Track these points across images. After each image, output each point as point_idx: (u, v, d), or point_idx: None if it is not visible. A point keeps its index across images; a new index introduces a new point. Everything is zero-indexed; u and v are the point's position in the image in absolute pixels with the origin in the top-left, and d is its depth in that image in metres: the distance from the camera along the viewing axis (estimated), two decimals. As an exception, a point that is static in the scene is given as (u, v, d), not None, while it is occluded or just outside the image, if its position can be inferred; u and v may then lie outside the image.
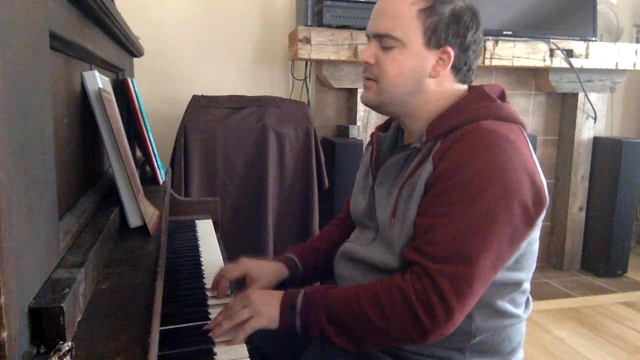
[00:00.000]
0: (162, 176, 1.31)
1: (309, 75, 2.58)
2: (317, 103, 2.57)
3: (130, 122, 1.26)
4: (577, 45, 2.65)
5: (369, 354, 0.93)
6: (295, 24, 2.48)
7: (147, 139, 1.20)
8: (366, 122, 2.52)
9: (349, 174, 2.25)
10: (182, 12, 2.45)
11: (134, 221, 0.86)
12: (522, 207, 0.81)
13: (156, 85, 2.43)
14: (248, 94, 2.31)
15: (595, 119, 2.88)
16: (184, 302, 0.98)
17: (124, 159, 0.82)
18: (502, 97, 0.94)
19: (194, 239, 1.38)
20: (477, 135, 0.84)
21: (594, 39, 2.67)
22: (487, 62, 2.52)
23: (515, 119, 0.90)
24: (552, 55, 2.61)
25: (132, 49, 1.35)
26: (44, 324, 0.46)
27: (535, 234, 0.89)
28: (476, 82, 1.00)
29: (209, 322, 0.88)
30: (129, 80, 1.17)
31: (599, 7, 2.74)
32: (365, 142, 2.42)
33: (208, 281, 1.06)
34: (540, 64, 2.60)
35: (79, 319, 0.54)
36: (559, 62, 2.63)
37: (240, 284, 1.07)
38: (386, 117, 1.10)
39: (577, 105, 2.85)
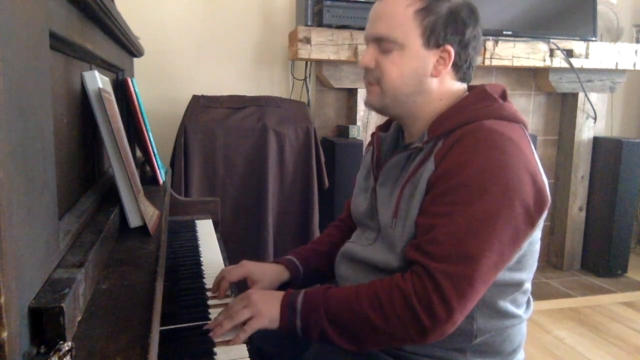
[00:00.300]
0: (162, 176, 1.31)
1: (309, 75, 2.58)
2: (317, 103, 2.57)
3: (130, 122, 1.26)
4: (577, 45, 2.65)
5: (370, 354, 0.93)
6: (295, 24, 2.48)
7: (147, 139, 1.20)
8: (366, 122, 2.52)
9: (349, 174, 2.25)
10: (182, 12, 2.45)
11: (134, 221, 0.86)
12: (523, 207, 0.81)
13: (156, 85, 2.42)
14: (248, 94, 2.32)
15: (595, 119, 2.88)
16: (184, 302, 0.98)
17: (124, 159, 0.82)
18: (504, 96, 0.94)
19: (194, 239, 1.38)
20: (479, 134, 0.84)
21: (594, 39, 2.67)
22: (487, 62, 2.52)
23: (517, 119, 0.90)
24: (552, 55, 2.61)
25: (132, 49, 1.35)
26: (44, 324, 0.46)
27: (537, 234, 0.89)
28: (476, 82, 0.99)
29: (209, 322, 0.88)
30: (129, 80, 1.17)
31: (599, 7, 2.74)
32: (366, 142, 2.42)
33: (208, 281, 1.06)
34: (540, 64, 2.60)
35: (79, 319, 0.54)
36: (559, 62, 2.63)
37: (241, 286, 1.07)
38: (386, 117, 1.10)
39: (577, 105, 2.85)
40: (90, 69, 0.87)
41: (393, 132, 1.05)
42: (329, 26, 2.29)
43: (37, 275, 0.48)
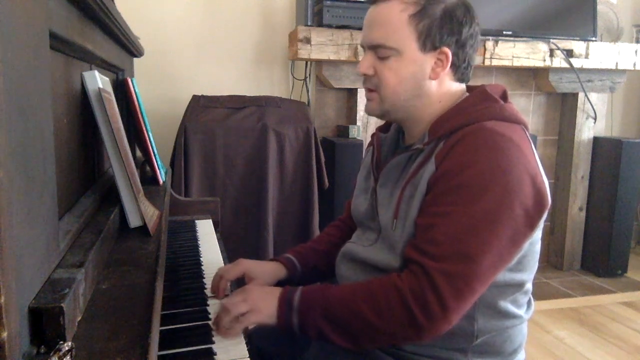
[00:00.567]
0: (162, 176, 1.31)
1: (309, 75, 2.58)
2: (317, 103, 2.57)
3: (130, 122, 1.26)
4: (577, 45, 2.65)
5: (370, 354, 0.93)
6: (295, 24, 2.48)
7: (147, 139, 1.20)
8: (366, 122, 2.52)
9: (349, 174, 2.25)
10: (182, 12, 2.45)
11: (134, 221, 0.86)
12: (523, 208, 0.81)
13: (156, 85, 2.43)
14: (248, 94, 2.32)
15: (595, 119, 2.88)
16: (184, 302, 0.98)
17: (124, 159, 0.82)
18: (504, 97, 0.94)
19: (194, 239, 1.38)
20: (480, 135, 0.84)
21: (594, 39, 2.67)
22: (487, 62, 2.52)
23: (518, 119, 0.90)
24: (552, 55, 2.61)
25: (132, 49, 1.35)
26: (44, 324, 0.46)
27: (537, 235, 0.89)
28: (476, 82, 0.99)
29: (208, 322, 0.88)
30: (129, 80, 1.17)
31: (599, 7, 2.74)
32: (365, 142, 2.42)
33: (208, 281, 1.06)
34: (540, 64, 2.60)
35: (79, 319, 0.54)
36: (559, 62, 2.63)
37: (240, 284, 1.07)
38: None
39: (577, 105, 2.85)
40: (90, 69, 0.87)
41: (393, 133, 1.05)
42: (329, 26, 2.29)
43: (37, 275, 0.48)
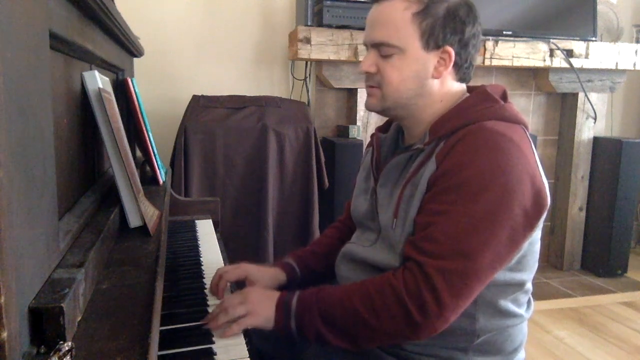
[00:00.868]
0: (162, 176, 1.31)
1: (309, 75, 2.58)
2: (317, 103, 2.57)
3: (130, 122, 1.26)
4: (577, 45, 2.65)
5: (371, 353, 0.93)
6: (295, 24, 2.48)
7: (147, 139, 1.20)
8: (366, 122, 2.52)
9: (349, 174, 2.25)
10: (182, 12, 2.45)
11: (134, 221, 0.86)
12: (522, 208, 0.81)
13: (156, 85, 2.42)
14: (248, 94, 2.32)
15: (595, 119, 2.88)
16: (184, 302, 0.98)
17: (124, 159, 0.82)
18: (504, 97, 0.94)
19: (194, 239, 1.38)
20: (481, 135, 0.84)
21: (594, 39, 2.67)
22: (487, 62, 2.52)
23: (518, 119, 0.90)
24: (552, 55, 2.61)
25: (132, 49, 1.35)
26: (44, 324, 0.46)
27: (537, 234, 0.89)
28: (476, 82, 0.99)
29: (208, 322, 0.88)
30: (129, 80, 1.17)
31: (599, 7, 2.74)
32: (365, 142, 2.42)
33: (208, 281, 1.06)
34: (540, 64, 2.60)
35: (79, 319, 0.54)
36: (559, 62, 2.63)
37: (240, 286, 1.07)
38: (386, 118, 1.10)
39: (577, 105, 2.85)
40: (90, 69, 0.87)
41: (393, 133, 1.05)
42: (329, 26, 2.29)
43: (37, 275, 0.48)
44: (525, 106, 2.91)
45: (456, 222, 0.80)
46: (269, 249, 2.15)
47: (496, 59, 2.53)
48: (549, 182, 0.88)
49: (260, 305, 0.88)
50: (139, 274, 0.69)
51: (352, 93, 2.55)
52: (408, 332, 0.81)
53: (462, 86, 0.97)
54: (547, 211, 0.86)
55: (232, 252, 1.52)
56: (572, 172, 2.90)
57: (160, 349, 0.67)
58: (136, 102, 1.16)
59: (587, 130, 2.89)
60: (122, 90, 1.24)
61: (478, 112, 0.88)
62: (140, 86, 1.43)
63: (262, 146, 2.13)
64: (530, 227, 0.83)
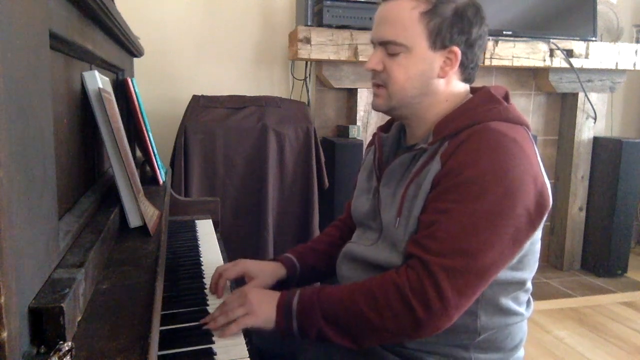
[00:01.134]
0: (162, 176, 1.31)
1: (309, 75, 2.58)
2: (317, 103, 2.57)
3: (130, 122, 1.26)
4: (577, 45, 2.65)
5: (373, 351, 0.93)
6: (295, 24, 2.48)
7: (147, 139, 1.20)
8: (366, 122, 2.52)
9: (349, 174, 2.25)
10: (182, 12, 2.45)
11: (134, 221, 0.86)
12: (524, 208, 0.82)
13: (156, 85, 2.42)
14: (248, 94, 2.32)
15: (595, 119, 2.88)
16: (184, 302, 0.98)
17: (124, 159, 0.82)
18: (507, 98, 0.95)
19: (194, 239, 1.38)
20: (485, 135, 0.85)
21: (594, 39, 2.67)
22: (487, 62, 2.52)
23: (521, 121, 0.91)
24: (552, 55, 2.61)
25: (132, 49, 1.35)
26: (44, 324, 0.46)
27: (538, 234, 0.90)
28: (476, 82, 1.00)
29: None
30: (129, 80, 1.17)
31: (599, 7, 2.74)
32: (366, 142, 2.42)
33: (208, 281, 1.06)
34: (540, 64, 2.60)
35: (79, 319, 0.54)
36: (559, 62, 2.63)
37: (239, 283, 1.07)
38: (387, 117, 1.10)
39: (577, 105, 2.85)
40: (90, 69, 0.87)
41: (394, 132, 1.05)
42: (329, 26, 2.29)
43: (37, 275, 0.48)
44: (525, 106, 2.91)
45: (459, 221, 0.81)
46: (269, 249, 2.15)
47: (496, 59, 2.53)
48: (549, 182, 0.89)
49: (261, 306, 0.88)
50: (139, 274, 0.69)
51: (352, 93, 2.55)
52: (411, 330, 0.81)
53: (467, 87, 0.98)
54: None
55: (232, 252, 1.52)
56: (572, 172, 2.90)
57: (160, 349, 0.67)
58: (136, 102, 1.16)
59: (587, 130, 2.89)
60: (122, 90, 1.24)
61: (482, 113, 0.89)
62: (140, 86, 1.43)
63: (262, 146, 2.13)
64: (532, 227, 0.84)
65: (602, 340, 2.15)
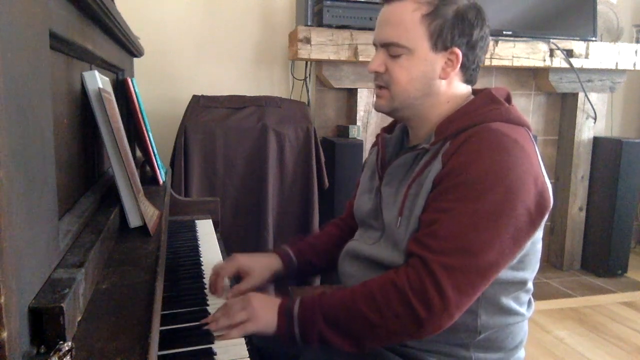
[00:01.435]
0: (162, 176, 1.31)
1: (309, 75, 2.58)
2: (317, 103, 2.57)
3: (130, 122, 1.26)
4: (577, 45, 2.65)
5: (374, 351, 0.93)
6: (295, 24, 2.48)
7: (147, 139, 1.20)
8: (366, 122, 2.52)
9: (349, 174, 2.25)
10: (182, 12, 2.45)
11: (134, 221, 0.86)
12: (525, 208, 0.82)
13: (156, 85, 2.42)
14: (248, 94, 2.32)
15: (595, 119, 2.88)
16: (184, 302, 0.98)
17: (124, 159, 0.82)
18: (508, 100, 0.96)
19: (194, 239, 1.38)
20: (486, 136, 0.85)
21: (594, 39, 2.67)
22: (487, 62, 2.52)
23: (522, 122, 0.92)
24: (552, 55, 2.61)
25: (132, 49, 1.35)
26: (44, 324, 0.46)
27: (539, 234, 0.90)
28: (476, 83, 1.00)
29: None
30: (129, 80, 1.17)
31: (599, 7, 2.74)
32: (365, 142, 2.42)
33: (208, 281, 1.06)
34: (540, 64, 2.60)
35: (79, 319, 0.54)
36: (559, 62, 2.63)
37: (239, 280, 1.08)
38: (387, 118, 1.11)
39: (577, 105, 2.85)
40: (90, 69, 0.87)
41: (398, 133, 1.06)
42: (329, 26, 2.29)
43: (37, 275, 0.48)
44: (525, 106, 2.91)
45: (460, 220, 0.81)
46: (269, 249, 2.15)
47: (496, 59, 2.53)
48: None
49: (262, 311, 0.88)
50: (139, 274, 0.69)
51: (352, 93, 2.55)
52: (413, 330, 0.81)
53: (468, 88, 0.99)
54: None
55: (232, 252, 1.51)
56: (572, 172, 2.90)
57: (160, 349, 0.67)
58: (136, 102, 1.16)
59: (587, 130, 2.89)
60: (122, 90, 1.24)
61: (484, 113, 0.90)
62: (140, 86, 1.43)
63: (262, 146, 2.13)
64: (533, 227, 0.84)
65: (602, 340, 2.15)
